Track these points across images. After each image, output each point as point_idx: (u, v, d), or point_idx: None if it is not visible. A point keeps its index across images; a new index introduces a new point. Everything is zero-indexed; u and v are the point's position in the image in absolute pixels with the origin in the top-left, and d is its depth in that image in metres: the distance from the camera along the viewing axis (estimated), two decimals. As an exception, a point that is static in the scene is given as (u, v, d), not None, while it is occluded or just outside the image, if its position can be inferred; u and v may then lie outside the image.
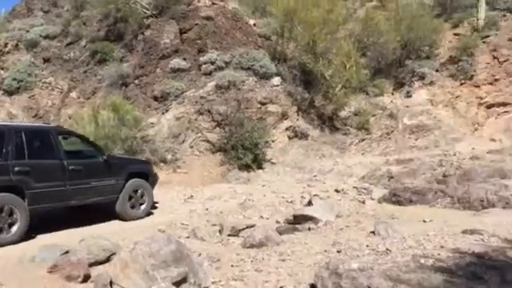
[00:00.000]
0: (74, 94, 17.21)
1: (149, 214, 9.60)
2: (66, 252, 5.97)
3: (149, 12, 17.55)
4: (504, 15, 21.46)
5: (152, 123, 14.44)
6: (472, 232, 6.51)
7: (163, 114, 15.05)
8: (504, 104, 19.41)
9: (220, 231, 8.05)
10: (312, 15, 16.60)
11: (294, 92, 16.26)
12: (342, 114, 17.34)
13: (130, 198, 9.19)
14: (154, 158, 12.99)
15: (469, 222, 7.58)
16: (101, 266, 5.78)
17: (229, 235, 7.83)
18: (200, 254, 6.32)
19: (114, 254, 5.91)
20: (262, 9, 20.06)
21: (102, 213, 9.02)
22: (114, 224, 8.86)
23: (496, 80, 19.56)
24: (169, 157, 13.48)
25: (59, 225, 8.27)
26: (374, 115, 17.79)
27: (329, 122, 17.02)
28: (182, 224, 8.70)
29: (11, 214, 7.30)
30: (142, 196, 9.41)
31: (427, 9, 21.24)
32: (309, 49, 17.02)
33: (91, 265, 5.75)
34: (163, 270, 4.46)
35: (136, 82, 16.29)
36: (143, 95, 15.81)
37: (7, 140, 7.50)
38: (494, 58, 19.84)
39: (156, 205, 10.30)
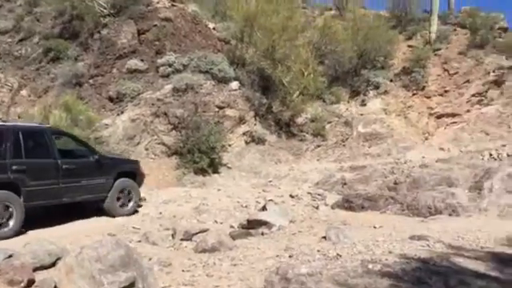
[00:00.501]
0: (24, 92, 16.57)
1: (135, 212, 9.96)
2: (10, 256, 5.71)
3: (106, 11, 17.17)
4: (455, 29, 22.42)
5: (106, 124, 14.10)
6: (419, 238, 6.71)
7: (118, 115, 14.73)
8: (453, 115, 20.23)
9: (173, 235, 7.96)
10: (271, 22, 16.74)
11: (251, 97, 16.31)
12: (299, 120, 17.53)
13: (119, 196, 9.58)
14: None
15: (416, 228, 7.83)
16: (46, 271, 5.58)
17: (181, 240, 7.75)
18: (151, 259, 6.22)
19: (59, 258, 5.71)
20: (223, 13, 20.05)
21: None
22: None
23: (446, 91, 20.37)
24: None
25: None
26: (329, 122, 18.09)
27: (286, 128, 17.17)
28: (134, 228, 8.54)
29: (8, 209, 7.66)
30: (129, 194, 9.81)
31: (383, 20, 21.86)
32: (268, 54, 17.13)
33: (36, 269, 5.53)
34: (110, 275, 4.35)
35: (91, 81, 15.88)
36: (98, 95, 15.43)
37: (5, 139, 7.85)
38: (445, 70, 20.66)
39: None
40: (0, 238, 7.30)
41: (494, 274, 5.04)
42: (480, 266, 5.25)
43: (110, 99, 15.25)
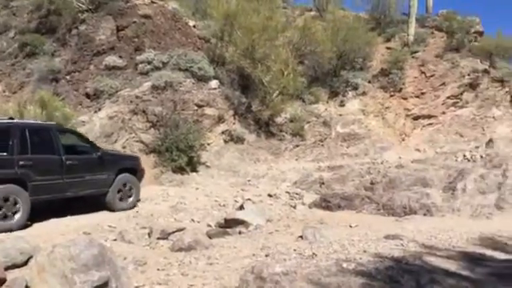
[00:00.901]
0: (-1, 88, 16.24)
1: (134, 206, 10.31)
2: (-19, 255, 5.61)
3: (84, 6, 16.91)
4: (432, 33, 22.80)
5: (83, 121, 13.89)
6: (393, 237, 6.82)
7: (95, 112, 14.53)
8: (429, 116, 20.59)
9: (149, 234, 7.91)
10: (252, 21, 16.73)
11: (231, 96, 16.29)
12: (278, 119, 17.58)
13: (119, 190, 9.97)
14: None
15: (391, 227, 7.95)
16: (18, 270, 5.49)
17: (158, 238, 7.71)
18: (126, 258, 6.16)
19: (32, 257, 5.62)
20: (203, 11, 19.95)
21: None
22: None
23: (422, 93, 20.71)
24: None
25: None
26: (308, 122, 18.18)
27: (265, 128, 17.19)
28: (110, 226, 8.46)
29: (15, 203, 8.06)
30: (129, 189, 10.21)
31: (362, 22, 22.07)
32: (248, 54, 17.11)
33: (8, 268, 5.44)
34: (83, 274, 4.30)
35: (67, 77, 15.63)
36: (75, 92, 15.20)
37: (13, 136, 8.22)
38: (422, 72, 21.00)
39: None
40: (7, 230, 7.67)
41: (464, 272, 5.15)
42: (451, 265, 5.36)
43: (87, 96, 15.03)
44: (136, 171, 10.60)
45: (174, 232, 7.82)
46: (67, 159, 8.99)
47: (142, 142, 13.95)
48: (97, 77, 15.20)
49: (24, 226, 8.14)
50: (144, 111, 14.37)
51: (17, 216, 8.07)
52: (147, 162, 13.50)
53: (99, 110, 14.50)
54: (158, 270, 5.67)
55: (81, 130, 13.39)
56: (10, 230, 7.71)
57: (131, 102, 14.53)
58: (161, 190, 12.10)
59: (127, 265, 5.65)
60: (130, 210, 9.85)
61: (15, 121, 8.93)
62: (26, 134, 8.42)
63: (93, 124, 13.98)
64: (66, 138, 9.61)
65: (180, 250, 6.74)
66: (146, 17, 16.46)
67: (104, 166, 9.73)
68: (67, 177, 8.95)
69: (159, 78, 14.87)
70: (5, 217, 7.94)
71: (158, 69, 15.33)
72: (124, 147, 13.75)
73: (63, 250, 4.37)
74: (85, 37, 16.33)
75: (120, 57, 15.80)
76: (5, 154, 8.11)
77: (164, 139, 13.77)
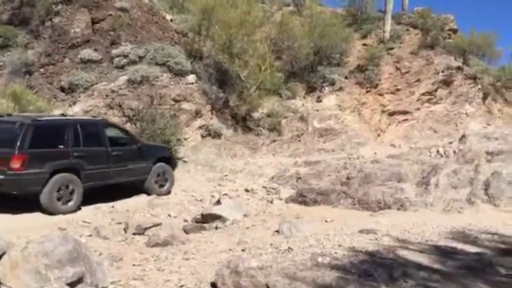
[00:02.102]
0: (-31, 80, 15.80)
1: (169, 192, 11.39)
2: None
3: (58, -2, 16.56)
4: (407, 30, 23.09)
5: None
6: (368, 232, 6.92)
7: (70, 106, 14.28)
8: (404, 112, 20.91)
9: (125, 229, 7.87)
10: (229, 15, 16.67)
11: (208, 91, 16.22)
12: (256, 114, 17.59)
13: (157, 178, 11.11)
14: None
15: (366, 222, 8.07)
16: (-11, 267, 5.39)
17: (134, 234, 7.68)
18: (101, 254, 6.13)
19: (5, 253, 5.51)
20: (180, 5, 19.79)
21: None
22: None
23: (398, 90, 21.00)
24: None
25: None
26: (285, 117, 18.25)
27: (242, 123, 17.19)
28: (85, 222, 8.38)
29: (71, 189, 9.19)
30: (165, 176, 11.38)
31: (339, 18, 22.21)
32: (225, 48, 17.04)
33: (-21, 265, 5.33)
34: (57, 270, 4.25)
35: (41, 70, 15.28)
36: (49, 85, 14.89)
37: (67, 131, 9.40)
38: (397, 69, 21.28)
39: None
40: (65, 213, 8.93)
41: (436, 266, 5.28)
42: (424, 259, 5.49)
43: (62, 89, 14.75)
44: (170, 160, 11.82)
45: (150, 227, 7.80)
46: (112, 150, 10.19)
47: (117, 136, 13.78)
48: (72, 70, 14.92)
49: (76, 210, 9.25)
50: (120, 105, 14.21)
51: (72, 201, 9.22)
52: (123, 156, 13.35)
53: (74, 103, 14.26)
54: (134, 265, 5.65)
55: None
56: (68, 213, 8.97)
57: (107, 96, 14.34)
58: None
59: (102, 260, 5.60)
60: (105, 206, 9.73)
61: (68, 117, 10.41)
62: (78, 129, 9.60)
63: (67, 118, 13.74)
64: (109, 131, 10.67)
65: (156, 245, 6.73)
66: (123, 10, 16.23)
67: (143, 155, 10.88)
68: (113, 166, 10.15)
69: (135, 72, 14.70)
70: (64, 202, 9.10)
71: (134, 63, 15.15)
72: (99, 142, 13.57)
73: (37, 246, 4.31)
74: (59, 29, 15.99)
75: (95, 50, 15.55)
76: (62, 146, 9.30)
77: (140, 134, 13.60)
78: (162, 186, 11.27)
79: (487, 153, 11.56)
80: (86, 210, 9.36)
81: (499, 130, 15.12)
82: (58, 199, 9.01)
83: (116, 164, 10.21)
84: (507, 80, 23.39)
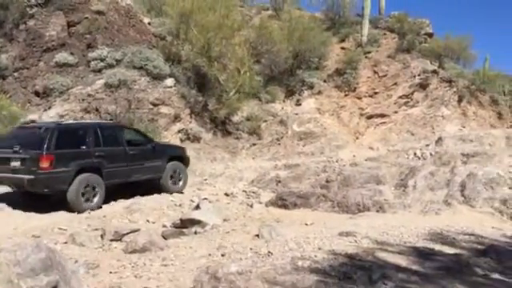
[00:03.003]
0: None
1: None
2: None
3: (33, 1, 16.25)
4: (384, 34, 23.40)
5: (32, 120, 13.39)
6: (347, 234, 6.91)
7: (45, 110, 14.03)
8: (382, 115, 21.13)
9: (102, 236, 7.70)
10: (208, 19, 16.63)
11: (187, 94, 16.13)
12: (235, 118, 17.56)
13: (172, 176, 11.80)
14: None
15: (346, 224, 8.07)
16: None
17: (111, 240, 7.52)
18: (77, 261, 5.99)
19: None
20: (158, 8, 19.65)
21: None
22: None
23: (376, 93, 21.23)
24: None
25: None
26: (265, 121, 18.27)
27: (221, 126, 17.14)
28: (60, 229, 8.17)
29: (94, 188, 9.92)
30: (179, 175, 12.05)
31: (318, 22, 22.38)
32: (204, 52, 17.00)
33: None
34: (30, 279, 4.11)
35: (15, 74, 14.99)
36: (23, 90, 14.61)
37: (89, 134, 10.16)
38: (375, 72, 21.52)
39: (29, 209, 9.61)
40: (90, 210, 9.58)
41: (414, 267, 5.30)
42: (402, 260, 5.50)
43: (37, 94, 14.51)
44: (183, 159, 12.41)
45: (127, 233, 7.65)
46: (130, 150, 10.90)
47: (94, 141, 13.56)
48: (47, 74, 14.71)
49: (99, 207, 9.91)
50: (97, 109, 14.02)
51: (96, 198, 9.94)
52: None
53: (49, 108, 14.03)
54: (111, 272, 5.53)
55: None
56: (91, 210, 9.61)
57: (83, 100, 14.14)
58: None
59: (78, 268, 5.48)
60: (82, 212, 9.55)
61: (90, 122, 11.47)
62: (98, 131, 10.36)
63: (42, 123, 13.49)
64: (126, 133, 11.38)
65: (134, 251, 6.61)
66: (99, 13, 16.03)
67: (157, 154, 11.54)
68: (131, 164, 10.84)
69: (113, 76, 14.54)
70: (88, 199, 9.78)
71: (111, 66, 15.00)
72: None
73: (9, 254, 4.16)
74: (34, 32, 15.70)
75: (71, 53, 15.35)
76: (84, 147, 10.02)
77: (118, 138, 13.44)
78: (175, 183, 11.95)
79: (463, 155, 11.70)
80: (62, 217, 9.15)
81: (474, 132, 15.35)
82: (83, 196, 9.74)
83: (133, 162, 10.93)
84: (481, 83, 23.87)
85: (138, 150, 11.12)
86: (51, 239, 7.44)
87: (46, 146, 9.35)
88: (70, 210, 9.50)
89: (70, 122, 11.11)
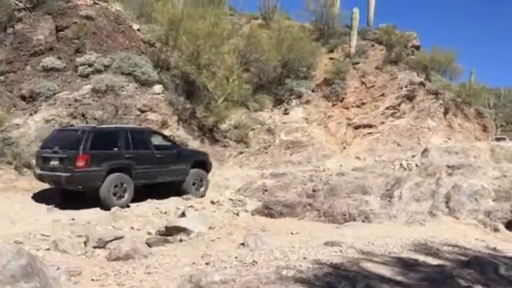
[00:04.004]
0: None
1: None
2: None
3: (21, 4, 16.11)
4: (373, 45, 23.66)
5: (17, 124, 13.22)
6: (333, 244, 6.91)
7: (31, 115, 13.87)
8: (369, 126, 21.30)
9: (85, 243, 7.61)
10: (197, 26, 16.65)
11: (175, 101, 16.08)
12: (223, 126, 17.54)
13: (194, 181, 12.52)
14: (16, 163, 11.93)
15: (331, 234, 8.08)
16: None
17: (94, 247, 7.44)
18: (58, 268, 5.86)
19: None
20: (148, 15, 19.60)
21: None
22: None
23: (363, 103, 21.41)
24: (34, 162, 12.42)
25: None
26: (253, 129, 18.27)
27: (209, 134, 17.10)
28: (43, 235, 8.05)
29: (124, 186, 10.76)
30: (201, 180, 12.79)
31: (307, 32, 22.54)
32: (193, 59, 17.00)
33: None
34: (10, 286, 4.04)
35: (1, 78, 14.76)
36: (9, 93, 14.41)
37: (121, 137, 11.09)
38: (363, 83, 21.71)
39: (12, 215, 9.49)
40: (120, 207, 10.37)
41: (398, 278, 5.31)
42: (387, 271, 5.50)
43: (23, 98, 14.31)
44: (206, 164, 13.15)
45: (111, 240, 7.57)
46: (157, 153, 11.71)
47: (80, 146, 13.43)
48: (33, 78, 14.53)
49: (128, 205, 10.68)
50: (83, 115, 13.89)
51: (125, 196, 10.76)
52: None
53: (35, 112, 13.87)
54: (93, 280, 5.45)
55: (14, 133, 12.81)
56: (122, 207, 10.39)
57: (70, 105, 14.01)
58: (100, 196, 11.68)
59: (60, 275, 5.38)
60: (66, 219, 9.42)
61: (121, 126, 12.26)
62: (129, 135, 11.25)
63: (27, 127, 13.36)
64: (154, 137, 12.25)
65: (117, 259, 6.52)
66: (88, 18, 15.94)
67: (181, 158, 12.30)
68: (157, 166, 11.64)
69: (100, 82, 14.44)
70: (119, 197, 10.64)
71: (99, 72, 14.90)
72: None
73: (-12, 261, 4.10)
74: (21, 36, 15.54)
75: (59, 58, 15.19)
76: (116, 149, 10.90)
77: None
78: (197, 189, 12.64)
79: (448, 166, 11.81)
80: (45, 223, 9.03)
81: (459, 144, 15.51)
82: (114, 195, 10.57)
83: (159, 165, 11.71)
84: (467, 96, 24.23)
85: (164, 154, 11.92)
86: (33, 245, 7.34)
87: (82, 146, 10.29)
88: (102, 206, 10.37)
89: (105, 126, 12.02)
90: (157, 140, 12.27)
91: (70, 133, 11.09)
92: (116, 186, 10.65)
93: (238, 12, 25.69)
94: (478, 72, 28.62)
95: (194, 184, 12.51)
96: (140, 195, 11.29)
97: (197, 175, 12.63)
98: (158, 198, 11.59)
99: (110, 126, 12.11)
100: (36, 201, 10.91)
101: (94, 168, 10.41)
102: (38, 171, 10.92)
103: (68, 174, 10.21)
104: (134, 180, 11.01)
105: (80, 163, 10.22)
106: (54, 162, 10.54)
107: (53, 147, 10.63)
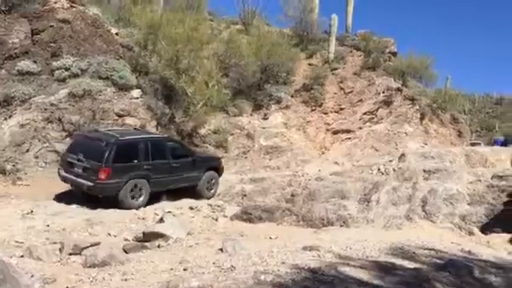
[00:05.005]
0: None
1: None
2: None
3: (-4, 7, 15.84)
4: (351, 51, 23.93)
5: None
6: (311, 248, 6.94)
7: (5, 119, 13.60)
8: (347, 131, 21.49)
9: (60, 250, 7.45)
10: (176, 31, 16.58)
11: (154, 106, 15.96)
12: (202, 131, 17.48)
13: (207, 184, 13.27)
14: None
15: (310, 238, 8.11)
16: None
17: (70, 254, 7.29)
18: (33, 275, 5.74)
19: None
20: (126, 19, 19.43)
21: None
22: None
23: (341, 109, 21.60)
24: (8, 167, 12.23)
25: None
26: (232, 134, 18.25)
27: (188, 139, 16.99)
28: (16, 242, 7.87)
29: (140, 190, 11.52)
30: (213, 183, 13.52)
31: (286, 38, 22.67)
32: (172, 64, 16.90)
33: None
34: (-19, 295, 3.94)
35: (-25, 82, 14.50)
36: (-18, 97, 14.12)
37: (141, 148, 11.70)
38: (341, 88, 21.92)
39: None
40: (136, 207, 11.20)
41: (376, 281, 5.35)
42: (364, 275, 5.54)
43: (-3, 102, 14.03)
44: (218, 169, 13.85)
45: (87, 247, 7.44)
46: (173, 162, 12.37)
47: (56, 151, 13.24)
48: (8, 82, 14.25)
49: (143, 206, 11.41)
50: (60, 119, 13.69)
51: (141, 199, 11.53)
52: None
53: (10, 117, 13.61)
54: (68, 287, 5.34)
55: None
56: (137, 208, 11.19)
57: (46, 109, 13.79)
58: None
59: (33, 283, 5.25)
60: (40, 225, 9.22)
61: (141, 136, 12.56)
62: (148, 145, 11.83)
63: (2, 132, 13.10)
64: (171, 146, 12.81)
65: (93, 265, 6.41)
66: (65, 21, 15.74)
67: (196, 166, 12.98)
68: (172, 175, 12.29)
69: (77, 86, 14.26)
70: (135, 199, 11.41)
71: (76, 76, 14.71)
72: (36, 157, 13.02)
73: (-42, 268, 3.98)
74: (-4, 39, 15.26)
75: (35, 62, 14.95)
76: (136, 161, 11.56)
77: (81, 149, 13.14)
78: (209, 190, 13.37)
79: (424, 171, 12.00)
80: (19, 229, 8.83)
81: (435, 149, 15.78)
82: (132, 198, 11.37)
83: (175, 173, 12.36)
84: (443, 102, 24.68)
85: (180, 163, 12.53)
86: (7, 252, 7.14)
87: (105, 159, 10.94)
88: (121, 207, 11.07)
89: (128, 136, 12.11)
90: (174, 148, 12.82)
91: (95, 142, 11.47)
92: (133, 190, 11.40)
93: (218, 17, 25.70)
94: (453, 78, 29.21)
95: (206, 187, 13.28)
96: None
97: (209, 178, 13.37)
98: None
99: (131, 136, 12.34)
100: (11, 207, 10.65)
101: (115, 180, 11.08)
102: (63, 173, 11.58)
103: (91, 184, 10.93)
104: (151, 187, 11.74)
105: (102, 176, 10.90)
106: (78, 170, 11.21)
107: (78, 153, 11.27)
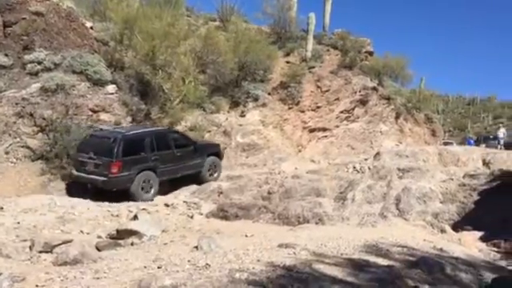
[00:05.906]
0: None
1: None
2: None
3: (-34, -2, 15.36)
4: (328, 50, 24.02)
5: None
6: (287, 246, 6.94)
7: (-25, 113, 13.23)
8: (324, 129, 21.61)
9: (30, 247, 7.31)
10: (153, 26, 16.37)
11: (129, 102, 15.74)
12: (178, 127, 17.30)
13: (209, 169, 14.42)
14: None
15: (285, 236, 8.12)
16: None
17: (40, 252, 7.15)
18: (1, 274, 5.59)
19: None
20: (102, 13, 19.12)
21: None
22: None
23: (318, 107, 21.70)
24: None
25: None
26: (209, 131, 18.15)
27: (164, 135, 16.81)
28: (-15, 240, 7.66)
29: (150, 182, 12.54)
30: (215, 167, 14.70)
31: (264, 35, 22.63)
32: (148, 60, 16.69)
33: None
34: None
35: None
36: (-50, 91, 13.69)
37: (146, 141, 12.71)
38: (318, 87, 22.00)
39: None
40: (148, 200, 12.13)
41: (349, 279, 5.39)
42: (338, 272, 5.58)
43: (-34, 96, 13.63)
44: (219, 154, 15.07)
45: (59, 244, 7.31)
46: (177, 152, 13.41)
47: (27, 147, 12.98)
48: (-23, 75, 13.86)
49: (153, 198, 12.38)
50: (31, 114, 13.39)
51: (151, 191, 12.56)
52: (33, 169, 12.56)
53: (-21, 111, 13.21)
54: (37, 286, 5.20)
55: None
56: (148, 200, 12.11)
57: (17, 104, 13.47)
58: (48, 199, 11.25)
59: (2, 281, 5.12)
60: (10, 222, 8.99)
61: (146, 129, 13.59)
62: (154, 138, 12.88)
63: (-29, 127, 12.71)
64: (174, 136, 13.86)
65: (64, 263, 6.27)
66: (38, 14, 15.36)
67: (198, 153, 14.05)
68: (177, 163, 13.36)
69: (50, 80, 13.96)
70: (146, 191, 12.41)
71: (48, 70, 14.41)
72: (7, 153, 12.72)
73: None
74: (-35, 31, 14.80)
75: (6, 55, 14.61)
76: (143, 153, 12.56)
77: (53, 145, 12.92)
78: (211, 174, 14.42)
79: (399, 169, 12.15)
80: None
81: (409, 148, 15.99)
82: (142, 189, 12.33)
83: (179, 162, 13.40)
84: (417, 102, 25.09)
85: (183, 152, 13.58)
86: (-25, 251, 6.95)
87: (115, 154, 11.83)
88: (132, 199, 11.96)
89: (133, 131, 13.03)
90: (176, 139, 13.85)
91: (103, 140, 12.26)
92: (144, 182, 12.36)
93: (195, 13, 25.49)
94: (428, 79, 29.71)
95: (209, 171, 14.36)
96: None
97: (211, 163, 14.47)
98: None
99: (136, 130, 13.29)
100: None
101: (126, 172, 12.03)
102: (75, 173, 12.29)
103: (105, 179, 11.82)
104: (159, 177, 12.76)
105: (114, 169, 11.82)
106: (90, 167, 12.02)
107: (88, 152, 12.05)
